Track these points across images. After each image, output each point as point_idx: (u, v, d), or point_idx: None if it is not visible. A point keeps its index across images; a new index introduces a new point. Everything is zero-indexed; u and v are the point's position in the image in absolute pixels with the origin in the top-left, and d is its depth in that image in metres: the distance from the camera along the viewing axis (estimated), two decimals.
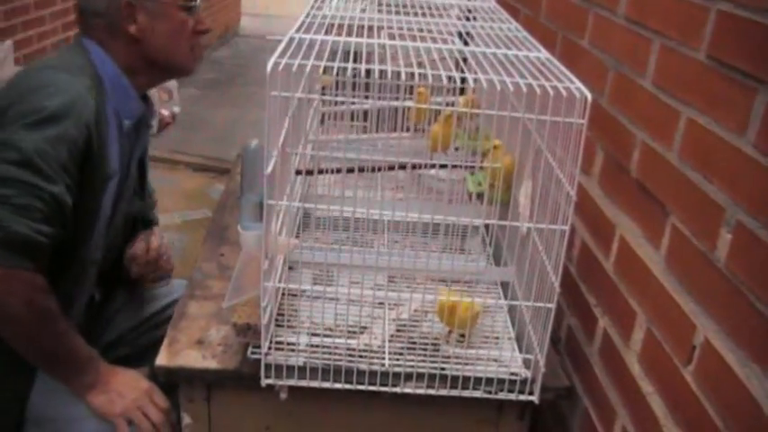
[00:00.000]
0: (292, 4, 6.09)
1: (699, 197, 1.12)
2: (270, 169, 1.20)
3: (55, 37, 4.50)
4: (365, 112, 2.00)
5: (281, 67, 1.15)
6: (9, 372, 1.56)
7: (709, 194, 1.09)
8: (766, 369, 0.94)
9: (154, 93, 1.95)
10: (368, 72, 1.24)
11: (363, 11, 1.73)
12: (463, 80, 1.35)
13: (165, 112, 5.51)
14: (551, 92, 1.16)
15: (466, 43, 1.55)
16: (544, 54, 1.38)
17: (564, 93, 1.16)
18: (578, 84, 1.19)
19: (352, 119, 2.02)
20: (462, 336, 1.44)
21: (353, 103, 1.93)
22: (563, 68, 1.28)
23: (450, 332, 1.46)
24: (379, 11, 1.76)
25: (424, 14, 1.67)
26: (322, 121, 2.14)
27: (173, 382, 1.46)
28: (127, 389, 1.54)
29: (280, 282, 1.41)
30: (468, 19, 1.72)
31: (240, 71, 7.64)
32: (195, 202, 4.32)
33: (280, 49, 1.22)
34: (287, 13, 8.44)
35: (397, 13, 1.70)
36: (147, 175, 1.94)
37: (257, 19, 10.11)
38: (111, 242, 1.76)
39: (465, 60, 1.38)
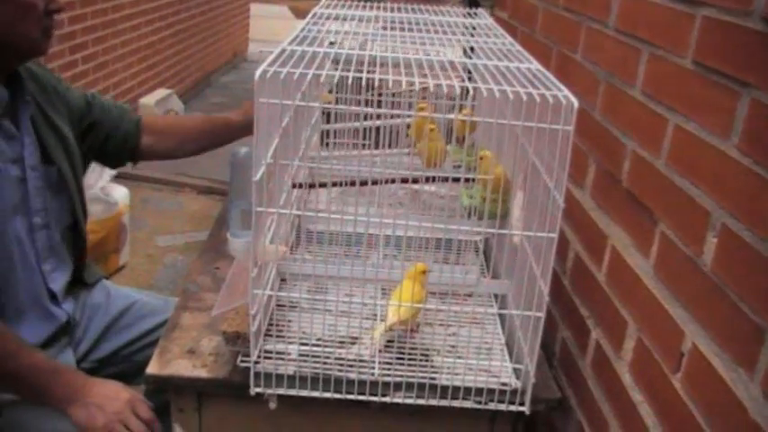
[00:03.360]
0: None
1: (685, 203, 1.12)
2: (258, 176, 1.20)
3: None
4: (365, 129, 2.01)
5: (268, 75, 1.16)
6: None
7: (695, 199, 1.09)
8: (752, 372, 0.93)
9: None
10: (367, 85, 1.24)
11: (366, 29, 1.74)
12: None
13: None
14: (538, 99, 1.16)
15: (469, 56, 1.55)
16: (535, 65, 1.39)
17: (551, 100, 1.17)
18: (566, 91, 1.19)
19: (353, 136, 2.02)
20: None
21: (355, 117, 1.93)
22: (552, 78, 1.28)
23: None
24: (383, 27, 1.76)
25: (428, 31, 1.68)
26: (322, 141, 2.14)
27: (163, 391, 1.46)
28: (108, 401, 1.50)
29: (270, 290, 1.41)
30: (471, 35, 1.73)
31: (247, 95, 7.57)
32: (200, 225, 4.32)
33: (270, 58, 1.25)
34: None
35: (401, 29, 1.70)
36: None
37: (265, 44, 10.20)
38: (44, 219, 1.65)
39: (470, 72, 1.39)
